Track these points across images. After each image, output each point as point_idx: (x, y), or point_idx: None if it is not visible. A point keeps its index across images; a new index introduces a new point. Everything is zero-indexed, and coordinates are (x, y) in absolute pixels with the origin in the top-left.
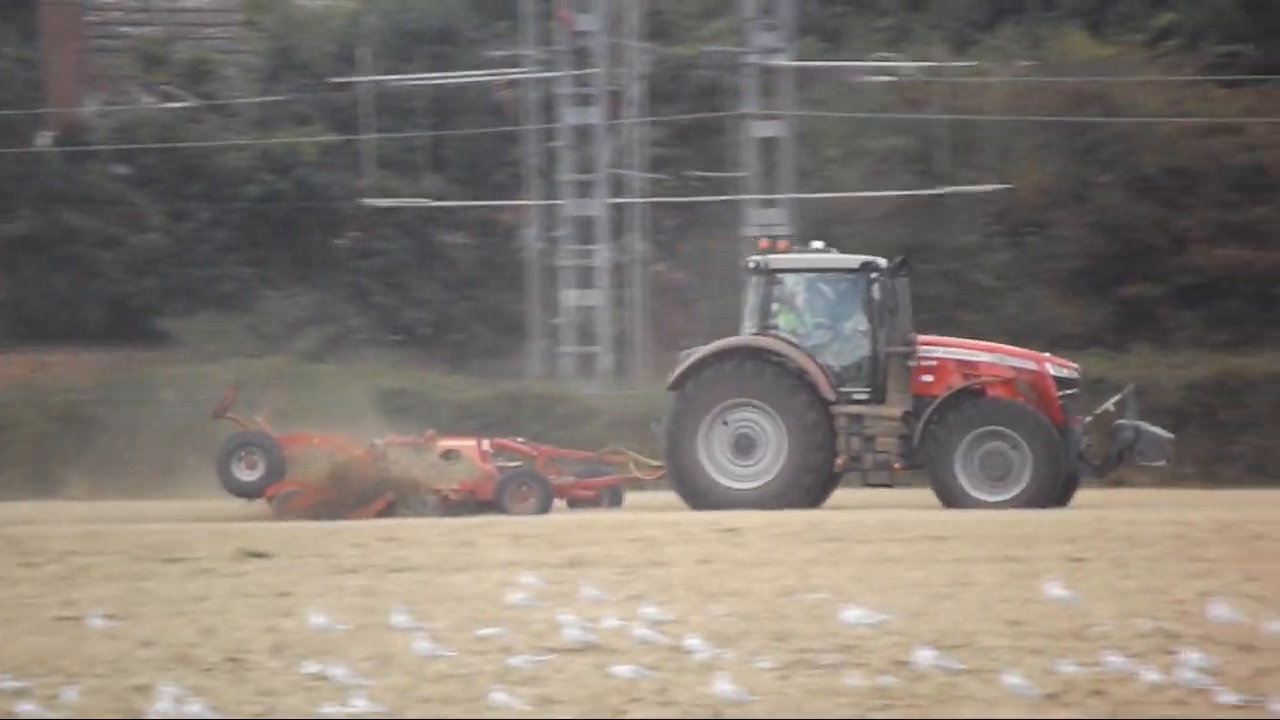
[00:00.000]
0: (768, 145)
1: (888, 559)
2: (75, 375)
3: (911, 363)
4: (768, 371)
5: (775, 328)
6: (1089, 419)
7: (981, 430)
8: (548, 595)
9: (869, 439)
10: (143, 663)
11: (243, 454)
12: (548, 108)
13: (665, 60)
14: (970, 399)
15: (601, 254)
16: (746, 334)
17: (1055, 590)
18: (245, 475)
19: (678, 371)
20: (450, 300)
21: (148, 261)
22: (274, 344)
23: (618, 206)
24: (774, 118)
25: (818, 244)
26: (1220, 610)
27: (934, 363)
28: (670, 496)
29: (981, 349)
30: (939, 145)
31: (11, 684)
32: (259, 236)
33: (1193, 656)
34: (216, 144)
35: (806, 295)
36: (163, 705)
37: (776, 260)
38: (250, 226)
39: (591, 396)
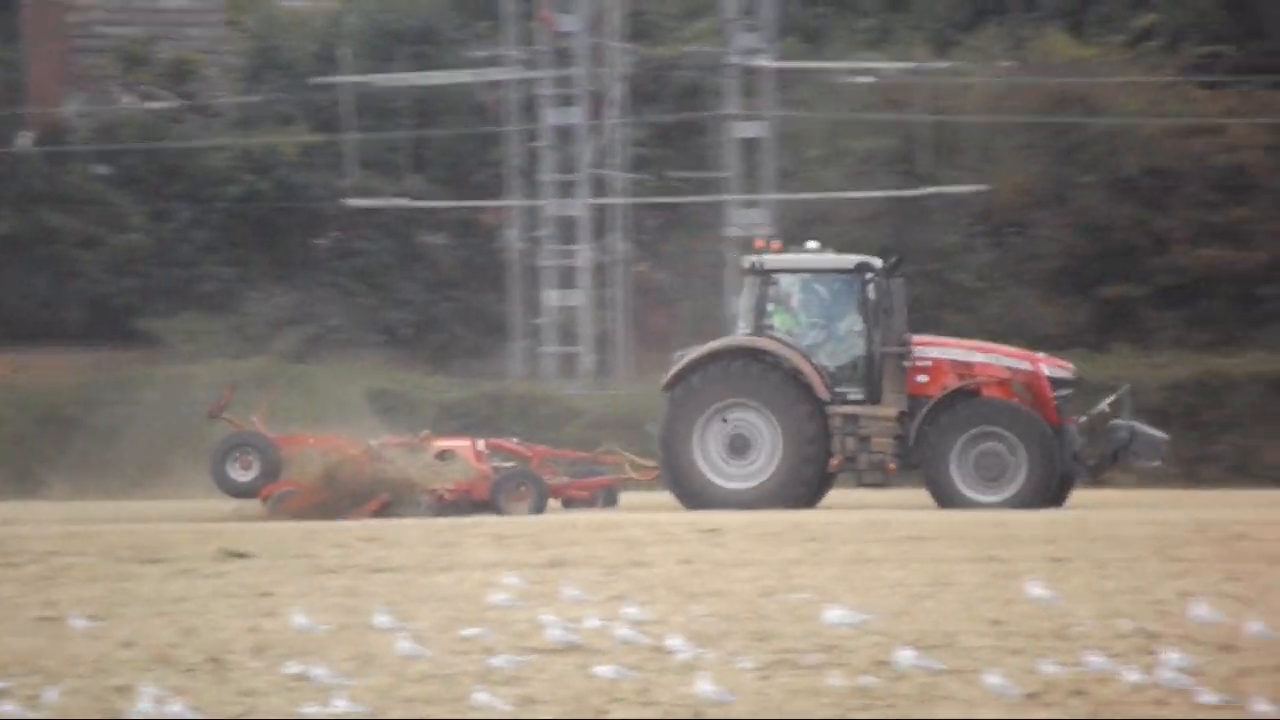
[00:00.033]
0: (749, 146)
1: (869, 559)
2: (56, 375)
3: (906, 363)
4: (763, 372)
5: (770, 328)
6: (1084, 419)
7: (976, 431)
8: (529, 595)
9: (864, 439)
10: (124, 663)
11: (237, 454)
12: (529, 108)
13: (647, 61)
14: (965, 399)
15: (583, 254)
16: (741, 334)
17: (1036, 590)
18: (240, 476)
19: (672, 372)
20: (432, 301)
21: (128, 262)
22: (255, 344)
23: (599, 207)
24: (756, 118)
25: (813, 244)
26: (1201, 610)
27: (929, 363)
28: (665, 497)
29: (976, 349)
30: (920, 146)
31: None
32: (240, 237)
33: (1173, 656)
34: (197, 144)
35: (801, 295)
36: (144, 706)
37: (771, 260)
38: (231, 227)
39: (573, 397)
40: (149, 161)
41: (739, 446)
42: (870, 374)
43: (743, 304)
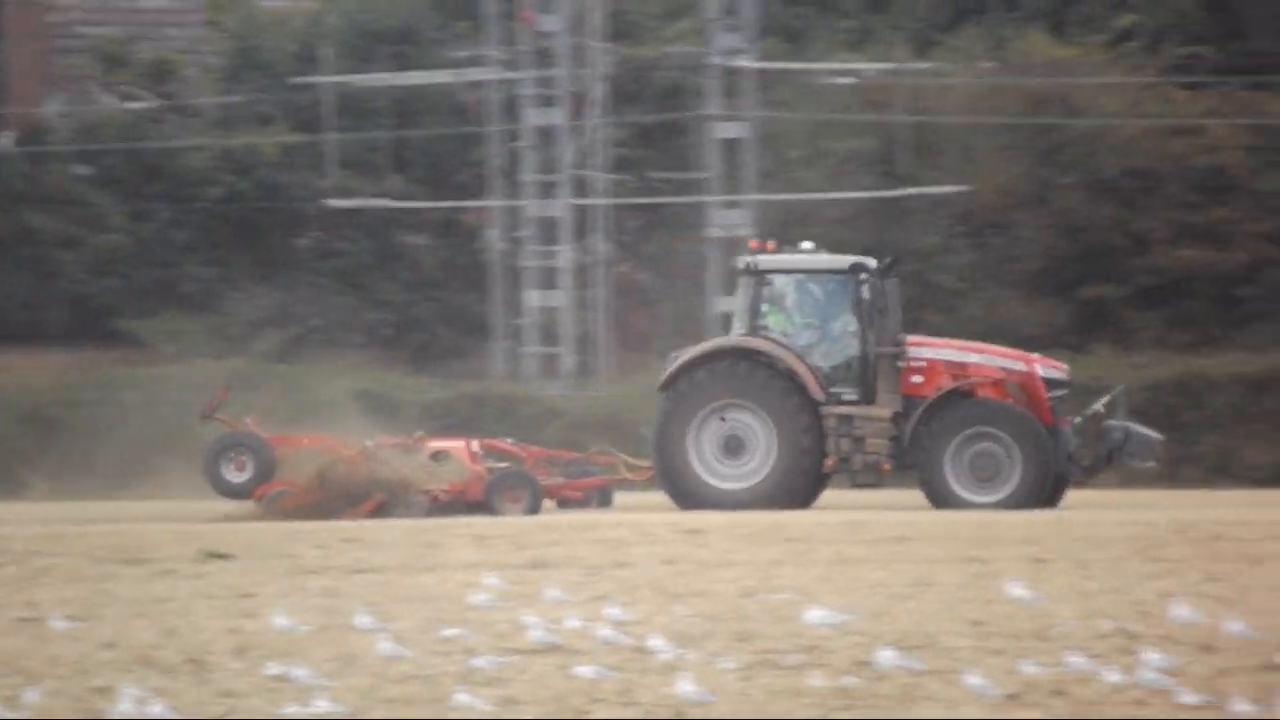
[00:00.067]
0: (730, 146)
1: (850, 560)
2: (36, 376)
3: (901, 363)
4: (757, 372)
5: (765, 328)
6: (1078, 420)
7: (971, 431)
8: (511, 596)
9: (858, 440)
10: (104, 664)
11: (231, 455)
12: (510, 108)
13: (628, 61)
14: (960, 400)
15: (564, 255)
16: (736, 335)
17: (1017, 591)
18: (234, 476)
19: (667, 373)
20: (412, 301)
21: (109, 262)
22: (235, 344)
23: (581, 207)
24: (737, 119)
25: (807, 245)
26: (1181, 611)
27: (923, 363)
28: (659, 497)
29: (971, 350)
30: (901, 146)
31: None
32: (220, 237)
33: (1153, 657)
34: (178, 144)
35: (796, 296)
36: (124, 706)
37: (766, 261)
38: (211, 227)
39: (554, 397)
40: (129, 162)
41: (733, 447)
42: (865, 374)
43: (737, 304)
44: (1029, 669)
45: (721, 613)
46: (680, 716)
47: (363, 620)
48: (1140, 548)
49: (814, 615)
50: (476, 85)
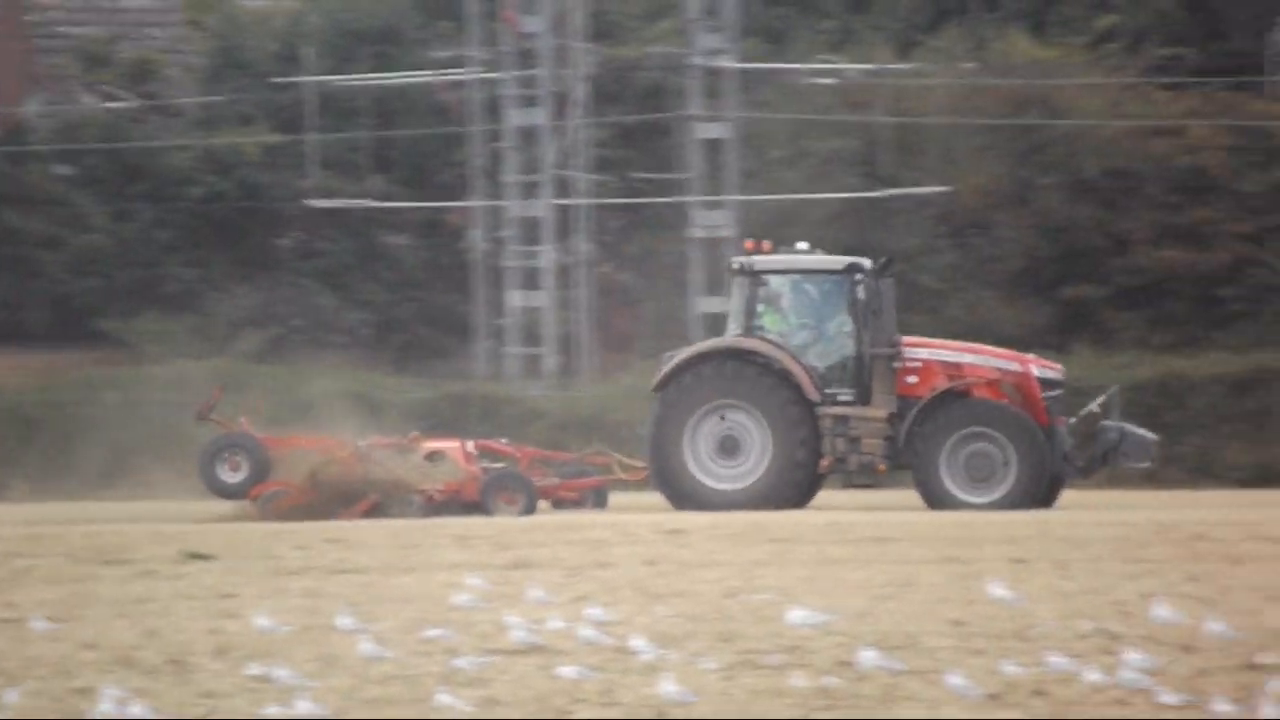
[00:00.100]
0: (712, 147)
1: (832, 560)
2: (17, 376)
3: (896, 364)
4: (752, 373)
5: (760, 329)
6: (1074, 420)
7: (966, 431)
8: (493, 597)
9: (854, 440)
10: (85, 665)
11: (226, 455)
12: (492, 109)
13: (610, 61)
14: (955, 400)
15: (547, 255)
16: (731, 335)
17: (998, 591)
18: (229, 477)
19: (662, 373)
20: (394, 301)
21: (90, 262)
22: (217, 345)
23: (563, 208)
24: (718, 119)
25: (802, 245)
26: (1162, 611)
27: (919, 364)
28: (654, 498)
29: (966, 350)
30: (883, 147)
31: None
32: (202, 237)
33: (1134, 657)
34: (159, 144)
35: (791, 296)
36: (105, 707)
37: (761, 261)
38: (193, 227)
39: (537, 398)
40: (111, 161)
41: (729, 447)
42: (860, 375)
43: (732, 305)
44: (1010, 669)
45: (703, 613)
46: (662, 717)
47: (344, 621)
48: (1121, 548)
49: (796, 615)
50: (458, 85)
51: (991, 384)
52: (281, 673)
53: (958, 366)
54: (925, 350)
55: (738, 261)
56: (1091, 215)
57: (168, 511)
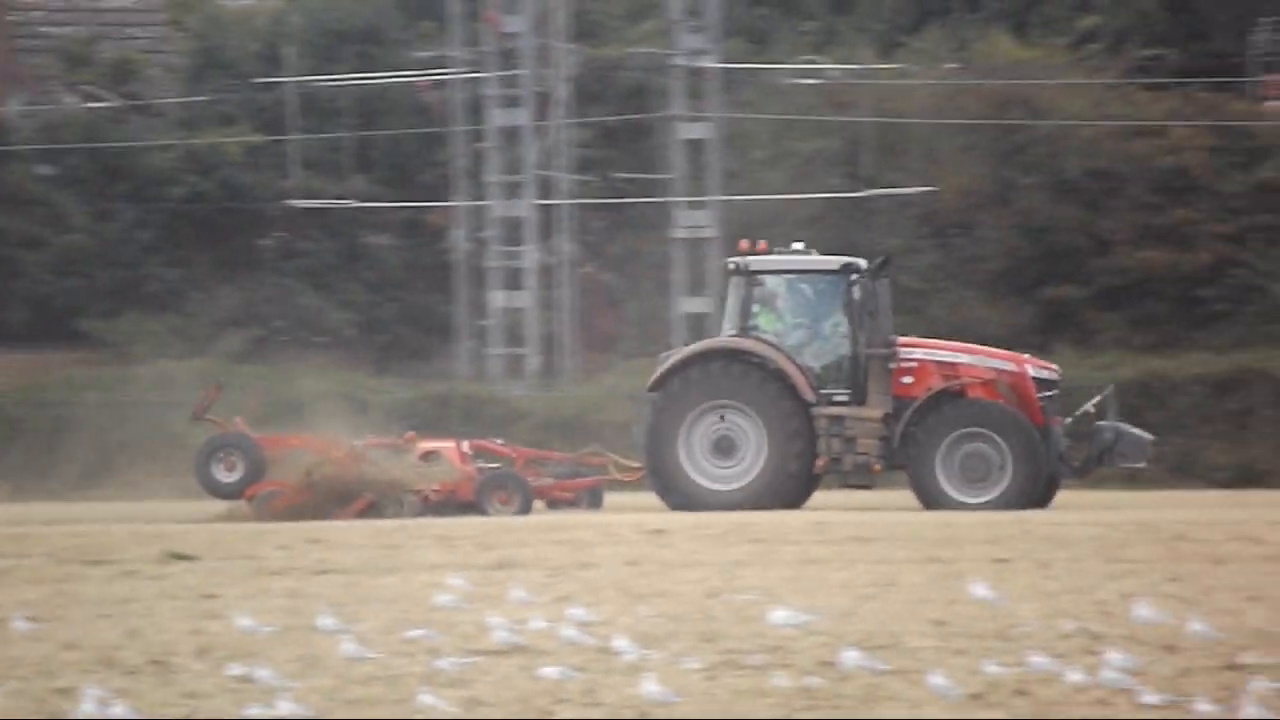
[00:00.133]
0: (695, 147)
1: (814, 560)
2: None
3: (892, 364)
4: (748, 373)
5: (755, 329)
6: (1069, 420)
7: (962, 432)
8: (475, 597)
9: (849, 440)
10: (67, 665)
11: (222, 455)
12: (475, 109)
13: (592, 61)
14: (951, 400)
15: (529, 255)
16: (726, 335)
17: (980, 591)
18: (224, 477)
19: (658, 373)
20: (376, 301)
21: (71, 262)
22: (198, 345)
23: (545, 208)
24: (701, 119)
25: (798, 245)
26: (1143, 611)
27: (914, 364)
28: (650, 498)
29: (962, 350)
30: (865, 147)
31: None
32: (183, 237)
33: (1116, 657)
34: (141, 144)
35: (787, 296)
36: (87, 707)
37: (757, 261)
38: (175, 227)
39: (520, 398)
40: (92, 162)
41: (724, 448)
42: (855, 375)
43: (728, 305)
44: (992, 669)
45: (686, 613)
46: (644, 717)
47: (326, 621)
48: (1103, 548)
49: (778, 616)
50: (441, 85)
51: (987, 384)
52: (263, 673)
53: (953, 367)
54: (921, 350)
55: (733, 261)
56: (1073, 215)
57: (151, 511)
